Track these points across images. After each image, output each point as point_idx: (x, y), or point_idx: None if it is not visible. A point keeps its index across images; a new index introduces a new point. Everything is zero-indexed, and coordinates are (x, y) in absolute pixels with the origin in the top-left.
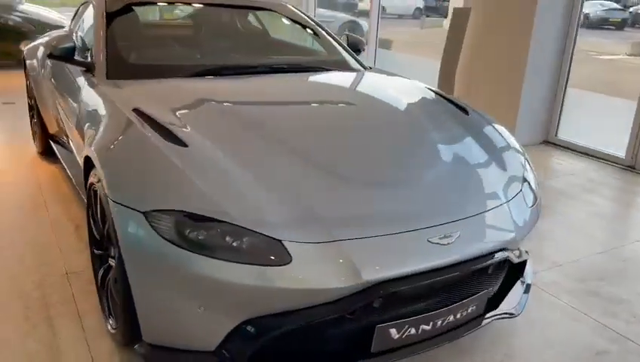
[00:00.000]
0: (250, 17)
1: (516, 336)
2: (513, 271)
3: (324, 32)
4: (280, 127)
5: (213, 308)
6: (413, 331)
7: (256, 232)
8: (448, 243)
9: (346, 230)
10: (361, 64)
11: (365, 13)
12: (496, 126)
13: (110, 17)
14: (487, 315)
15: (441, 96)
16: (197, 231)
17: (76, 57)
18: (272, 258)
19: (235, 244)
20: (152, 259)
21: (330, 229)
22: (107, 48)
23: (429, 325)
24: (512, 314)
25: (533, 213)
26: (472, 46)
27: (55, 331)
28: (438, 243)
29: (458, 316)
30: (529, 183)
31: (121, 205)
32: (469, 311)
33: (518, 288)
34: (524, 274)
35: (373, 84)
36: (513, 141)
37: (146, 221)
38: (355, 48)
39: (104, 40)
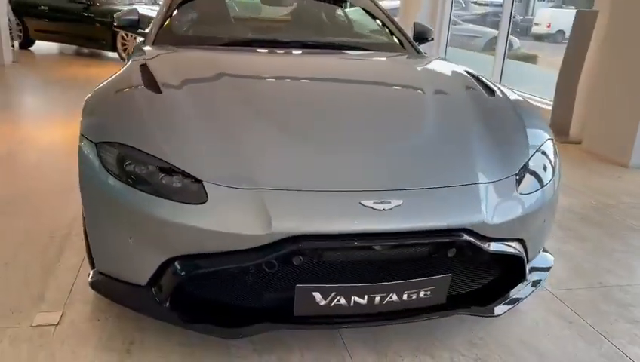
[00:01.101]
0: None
1: None
2: (510, 269)
3: (388, 19)
4: (266, 95)
5: (141, 241)
6: (343, 301)
7: (181, 171)
8: (383, 209)
9: (271, 180)
10: (415, 49)
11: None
12: (522, 110)
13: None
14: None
15: (474, 78)
16: (133, 165)
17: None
18: (190, 196)
19: (162, 180)
20: (97, 189)
21: (257, 178)
22: (162, 20)
23: (363, 298)
24: (487, 313)
25: (528, 200)
26: (599, 55)
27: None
28: (371, 208)
29: (404, 297)
30: (533, 170)
31: (83, 136)
32: (422, 295)
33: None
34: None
35: (407, 64)
36: (534, 127)
37: (96, 152)
38: (422, 37)
39: (163, 13)
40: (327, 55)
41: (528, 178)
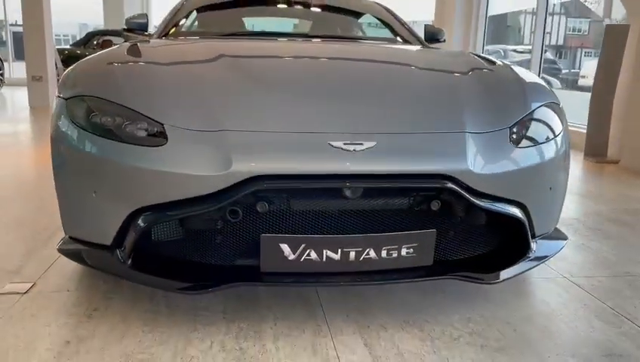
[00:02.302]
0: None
1: None
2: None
3: (398, 23)
4: (256, 63)
5: (104, 195)
6: (314, 255)
7: (143, 115)
8: (354, 150)
9: (234, 123)
10: (422, 43)
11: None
12: (520, 72)
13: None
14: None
15: (481, 57)
16: (99, 115)
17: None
18: (150, 140)
19: (125, 128)
20: (65, 145)
21: (219, 121)
22: (172, 18)
23: (336, 253)
24: (479, 278)
25: (524, 154)
26: (632, 72)
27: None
28: (340, 148)
29: (383, 254)
30: (530, 126)
31: (57, 96)
32: (404, 253)
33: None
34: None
35: (412, 49)
36: (535, 88)
37: (65, 107)
38: (434, 37)
39: (171, 15)
40: (330, 42)
41: (525, 135)
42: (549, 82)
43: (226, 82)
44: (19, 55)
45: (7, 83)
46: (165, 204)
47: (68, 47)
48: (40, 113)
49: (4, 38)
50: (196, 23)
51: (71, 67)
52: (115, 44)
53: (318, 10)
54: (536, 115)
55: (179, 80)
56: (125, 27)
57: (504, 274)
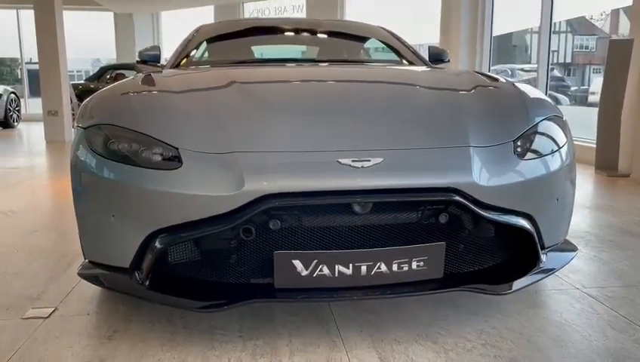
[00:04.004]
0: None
1: None
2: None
3: (402, 44)
4: (266, 88)
5: (122, 217)
6: (326, 271)
7: (158, 140)
8: (362, 167)
9: (246, 144)
10: (426, 64)
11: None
12: (523, 88)
13: (194, 38)
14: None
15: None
16: (116, 142)
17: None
18: (166, 164)
19: (141, 153)
20: (84, 172)
21: (231, 143)
22: (178, 54)
23: (348, 268)
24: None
25: (528, 166)
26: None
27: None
28: (348, 165)
29: (394, 268)
30: (534, 139)
31: (77, 126)
32: (414, 266)
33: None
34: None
35: (417, 70)
36: (537, 102)
37: (84, 136)
38: (438, 58)
39: (182, 46)
40: (338, 65)
41: (528, 146)
42: (557, 99)
43: (237, 106)
44: (34, 92)
45: (24, 118)
46: (181, 225)
47: (82, 82)
48: (56, 147)
49: (20, 76)
50: (207, 53)
51: (88, 98)
52: (127, 77)
53: (324, 36)
54: (539, 128)
55: (191, 105)
56: (138, 59)
57: (515, 285)
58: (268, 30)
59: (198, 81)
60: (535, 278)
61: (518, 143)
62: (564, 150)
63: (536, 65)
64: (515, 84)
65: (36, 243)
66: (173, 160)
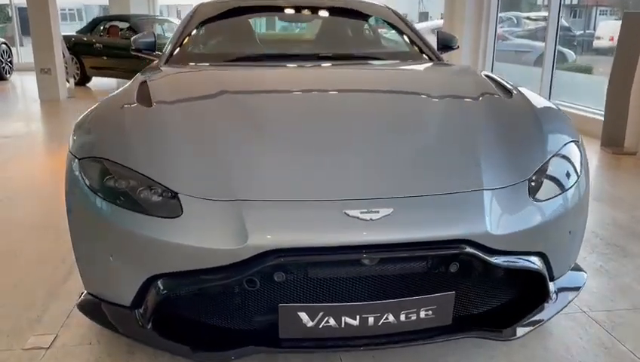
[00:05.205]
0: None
1: None
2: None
3: (408, 28)
4: (260, 108)
5: (120, 259)
6: (332, 322)
7: (158, 184)
8: (371, 219)
9: (248, 191)
10: (437, 57)
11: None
12: (541, 112)
13: (192, 19)
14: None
15: (494, 81)
16: (113, 180)
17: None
18: (165, 210)
19: (139, 195)
20: (79, 205)
21: (233, 189)
22: (176, 40)
23: (355, 319)
24: (502, 337)
25: (545, 207)
26: None
27: None
28: (357, 218)
29: (402, 318)
30: (551, 175)
31: (69, 153)
32: (422, 315)
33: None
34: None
35: (418, 71)
36: (555, 129)
37: (79, 167)
38: (446, 45)
39: (177, 35)
40: (337, 67)
41: (545, 183)
42: (563, 55)
43: (236, 137)
44: (25, 31)
45: (17, 68)
46: (182, 272)
47: (74, 34)
48: (51, 106)
49: (11, 14)
50: (204, 39)
51: (82, 118)
52: (121, 30)
53: (327, 14)
54: (556, 160)
55: (191, 141)
56: (133, 47)
57: (519, 331)
58: (268, 9)
59: (195, 92)
60: (546, 315)
61: (533, 179)
62: (580, 181)
63: (542, 14)
64: (529, 97)
65: (37, 244)
66: (173, 206)
